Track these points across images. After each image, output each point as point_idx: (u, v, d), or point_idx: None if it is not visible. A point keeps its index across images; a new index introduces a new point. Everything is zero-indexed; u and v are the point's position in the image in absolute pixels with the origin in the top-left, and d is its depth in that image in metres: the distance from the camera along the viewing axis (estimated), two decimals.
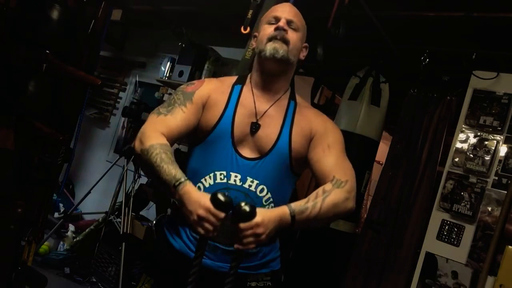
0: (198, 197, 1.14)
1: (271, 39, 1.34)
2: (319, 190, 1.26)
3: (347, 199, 1.27)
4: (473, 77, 2.63)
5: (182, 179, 1.17)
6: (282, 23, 1.35)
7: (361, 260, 3.00)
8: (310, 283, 3.01)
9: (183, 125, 1.32)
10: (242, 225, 1.12)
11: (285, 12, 1.39)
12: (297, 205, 1.21)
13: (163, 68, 4.13)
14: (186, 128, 1.33)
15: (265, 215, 1.15)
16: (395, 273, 2.82)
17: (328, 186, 1.27)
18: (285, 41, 1.34)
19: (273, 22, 1.37)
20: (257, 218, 1.13)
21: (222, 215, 1.11)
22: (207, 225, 1.11)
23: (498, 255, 2.28)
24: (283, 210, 1.19)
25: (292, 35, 1.36)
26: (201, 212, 1.11)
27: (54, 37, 2.03)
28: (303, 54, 1.43)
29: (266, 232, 1.13)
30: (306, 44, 1.44)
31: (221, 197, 1.12)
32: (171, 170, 1.18)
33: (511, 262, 2.20)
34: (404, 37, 3.01)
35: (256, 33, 1.44)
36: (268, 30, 1.37)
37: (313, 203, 1.22)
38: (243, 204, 1.13)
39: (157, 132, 1.26)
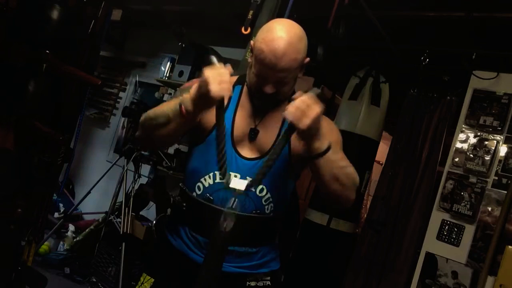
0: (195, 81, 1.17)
1: (258, 94, 1.29)
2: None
3: (355, 186, 1.28)
4: (473, 77, 2.63)
5: (182, 97, 1.19)
6: (268, 90, 1.24)
7: (361, 260, 3.00)
8: (310, 283, 3.01)
9: None
10: (305, 96, 1.11)
11: (274, 71, 1.20)
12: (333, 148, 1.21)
13: (163, 68, 4.13)
14: None
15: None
16: (395, 273, 2.82)
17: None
18: (274, 97, 1.28)
19: (259, 74, 1.23)
20: (320, 104, 1.12)
21: (222, 67, 1.14)
22: (218, 79, 1.11)
23: (498, 255, 2.28)
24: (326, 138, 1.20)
25: (282, 87, 1.26)
26: (208, 73, 1.11)
27: (54, 37, 2.03)
28: (302, 72, 1.33)
29: (316, 114, 1.10)
30: (307, 60, 1.29)
31: (213, 59, 1.15)
32: (170, 103, 1.22)
33: (511, 262, 2.20)
34: (404, 37, 3.01)
35: (252, 43, 1.30)
36: (255, 80, 1.26)
37: (341, 157, 1.25)
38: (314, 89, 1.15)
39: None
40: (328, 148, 1.17)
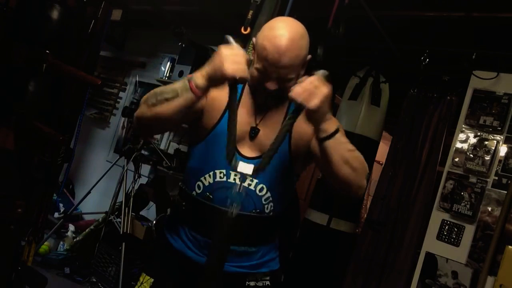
0: (209, 60, 1.15)
1: (260, 91, 1.29)
2: None
3: (366, 172, 1.26)
4: (473, 77, 2.63)
5: (189, 75, 1.18)
6: (272, 87, 1.24)
7: (361, 260, 3.00)
8: (310, 283, 3.01)
9: None
10: (313, 77, 1.12)
11: (277, 68, 1.21)
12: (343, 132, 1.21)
13: (163, 68, 4.14)
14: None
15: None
16: (395, 273, 2.82)
17: None
18: (277, 94, 1.28)
19: (262, 70, 1.23)
20: (328, 84, 1.12)
21: (238, 46, 1.13)
22: (236, 58, 1.12)
23: (498, 255, 2.28)
24: (336, 120, 1.20)
25: (285, 84, 1.25)
26: (224, 50, 1.12)
27: (54, 37, 2.03)
28: (303, 69, 1.32)
29: (324, 96, 1.11)
30: (309, 57, 1.29)
31: (230, 38, 1.15)
32: (176, 82, 1.21)
33: (511, 262, 2.20)
34: (404, 37, 3.01)
35: (253, 42, 1.31)
36: (258, 77, 1.25)
37: (351, 144, 1.23)
38: (321, 71, 1.14)
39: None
40: (337, 130, 1.17)
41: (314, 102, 1.11)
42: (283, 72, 1.22)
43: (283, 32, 1.21)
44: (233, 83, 1.18)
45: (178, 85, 1.20)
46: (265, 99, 1.32)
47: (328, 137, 1.17)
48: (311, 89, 1.11)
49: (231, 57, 1.12)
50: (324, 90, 1.12)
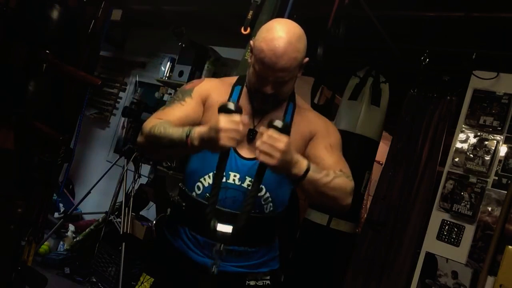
0: (209, 123, 1.13)
1: (258, 95, 1.30)
2: (330, 170, 1.25)
3: (350, 193, 1.28)
4: (473, 77, 2.63)
5: (190, 128, 1.17)
6: (268, 90, 1.25)
7: (361, 260, 3.00)
8: (310, 283, 3.01)
9: (183, 116, 1.31)
10: (270, 130, 1.10)
11: (274, 71, 1.21)
12: (314, 165, 1.21)
13: (163, 68, 4.13)
14: (186, 119, 1.31)
15: (290, 142, 1.13)
16: (395, 273, 2.82)
17: (338, 172, 1.27)
18: (274, 97, 1.29)
19: (259, 73, 1.24)
20: (285, 137, 1.11)
21: (237, 117, 1.10)
22: (231, 133, 1.09)
23: (498, 255, 2.28)
24: (304, 159, 1.19)
25: (282, 87, 1.27)
26: (222, 124, 1.08)
27: (54, 37, 2.03)
28: (301, 71, 1.33)
29: (283, 152, 1.09)
30: (306, 60, 1.30)
31: (230, 106, 1.12)
32: (178, 129, 1.19)
33: (511, 262, 2.20)
34: (404, 37, 3.01)
35: (251, 43, 1.30)
36: (255, 80, 1.27)
37: (326, 173, 1.22)
38: (276, 120, 1.12)
39: (156, 119, 1.28)
40: (308, 170, 1.17)
41: (274, 159, 1.10)
42: (280, 75, 1.22)
43: (280, 34, 1.20)
44: (227, 151, 1.18)
45: (176, 134, 1.18)
46: (262, 103, 1.32)
47: (300, 179, 1.17)
48: (267, 148, 1.10)
49: (228, 130, 1.09)
50: (280, 145, 1.09)
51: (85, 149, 4.97)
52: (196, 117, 1.33)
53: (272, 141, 1.09)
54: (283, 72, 1.22)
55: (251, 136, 1.32)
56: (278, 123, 1.11)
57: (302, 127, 1.38)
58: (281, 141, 1.09)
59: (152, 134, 1.22)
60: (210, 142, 1.11)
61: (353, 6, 2.40)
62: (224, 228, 1.21)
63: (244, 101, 1.37)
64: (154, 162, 3.73)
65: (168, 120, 1.25)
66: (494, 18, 2.43)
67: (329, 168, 1.27)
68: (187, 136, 1.15)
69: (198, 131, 1.14)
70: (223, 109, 1.11)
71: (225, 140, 1.08)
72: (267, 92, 1.25)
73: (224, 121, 1.08)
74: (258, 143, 1.11)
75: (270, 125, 1.11)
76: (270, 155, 1.09)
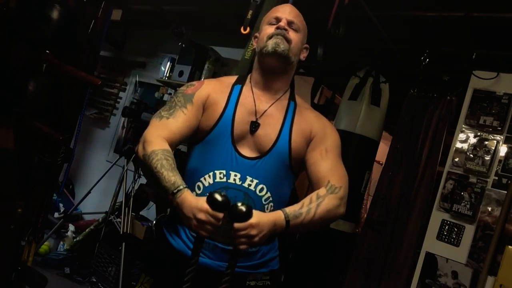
0: (195, 202, 1.14)
1: (272, 36, 1.36)
2: (313, 195, 1.29)
3: (339, 205, 1.31)
4: (473, 77, 2.63)
5: (181, 187, 1.17)
6: (283, 23, 1.37)
7: (361, 260, 3.00)
8: (310, 283, 3.01)
9: (185, 127, 1.34)
10: (236, 225, 1.13)
11: (285, 12, 1.40)
12: (291, 210, 1.23)
13: (163, 68, 4.13)
14: (188, 129, 1.34)
15: (260, 217, 1.16)
16: (395, 273, 2.82)
17: (322, 191, 1.30)
18: (287, 39, 1.36)
19: (274, 22, 1.39)
20: (252, 220, 1.13)
21: (220, 215, 1.11)
22: (207, 226, 1.12)
23: (498, 255, 2.28)
24: (278, 215, 1.21)
25: (293, 35, 1.38)
26: (200, 215, 1.11)
27: (54, 37, 2.03)
28: (303, 55, 1.45)
29: (259, 234, 1.15)
30: (306, 45, 1.45)
31: (218, 197, 1.11)
32: (171, 177, 1.19)
33: (511, 262, 2.20)
34: (404, 37, 3.01)
35: (257, 34, 1.45)
36: (269, 29, 1.38)
37: (307, 208, 1.25)
38: (239, 204, 1.14)
39: (159, 138, 1.27)
40: (288, 221, 1.21)
41: (255, 244, 1.17)
42: (292, 15, 1.40)
43: (285, 4, 1.49)
44: (201, 239, 1.18)
45: (166, 183, 1.18)
46: (274, 62, 1.36)
47: (286, 231, 1.22)
48: (245, 240, 1.14)
49: (204, 224, 1.11)
50: (253, 232, 1.14)
51: (85, 149, 4.97)
52: (196, 123, 1.36)
53: (244, 232, 1.13)
54: (295, 18, 1.40)
55: (253, 128, 1.34)
56: (241, 209, 1.13)
57: (303, 126, 1.39)
58: (251, 228, 1.13)
59: (149, 163, 1.22)
60: (186, 220, 1.15)
61: (353, 6, 2.40)
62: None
63: (244, 99, 1.38)
64: None
65: (170, 152, 1.26)
66: (494, 18, 2.43)
67: (324, 178, 1.32)
68: (173, 194, 1.17)
69: (182, 198, 1.15)
70: (211, 200, 1.11)
71: (199, 228, 1.12)
72: (281, 25, 1.37)
73: (205, 214, 1.10)
74: (233, 239, 1.14)
75: (235, 212, 1.13)
76: (250, 242, 1.15)
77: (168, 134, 1.30)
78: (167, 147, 1.26)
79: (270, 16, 1.42)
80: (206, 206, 1.11)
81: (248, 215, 1.13)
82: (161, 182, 1.19)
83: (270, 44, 1.34)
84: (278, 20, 1.39)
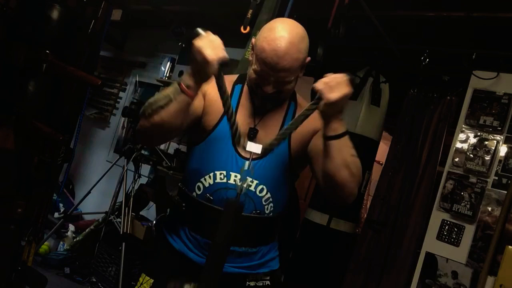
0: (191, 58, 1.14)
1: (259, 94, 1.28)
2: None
3: (359, 180, 1.24)
4: (473, 77, 2.63)
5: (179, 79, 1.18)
6: (269, 90, 1.24)
7: (361, 260, 3.00)
8: (310, 283, 3.01)
9: None
10: (338, 75, 1.12)
11: (275, 71, 1.20)
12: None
13: (163, 68, 4.14)
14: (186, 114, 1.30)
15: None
16: (395, 273, 2.82)
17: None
18: (275, 96, 1.29)
19: (260, 73, 1.23)
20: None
21: (210, 33, 1.14)
22: (213, 49, 1.12)
23: (498, 255, 2.28)
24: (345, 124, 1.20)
25: (283, 87, 1.26)
26: (199, 43, 1.11)
27: (54, 37, 2.03)
28: (302, 71, 1.33)
29: (345, 91, 1.12)
30: (308, 59, 1.29)
31: (199, 30, 1.14)
32: (166, 89, 1.20)
33: (511, 262, 2.20)
34: (404, 37, 3.01)
35: (253, 40, 1.31)
36: (256, 80, 1.26)
37: (354, 149, 1.21)
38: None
39: None
40: (346, 132, 1.18)
41: (333, 96, 1.11)
42: (281, 75, 1.22)
43: (282, 34, 1.19)
44: (219, 68, 1.14)
45: (170, 90, 1.18)
46: (263, 102, 1.32)
47: (336, 136, 1.17)
48: (334, 84, 1.12)
49: (207, 45, 1.11)
50: (345, 88, 1.12)
51: (85, 149, 4.97)
52: (199, 106, 1.31)
53: (339, 80, 1.12)
54: (285, 73, 1.21)
55: (252, 135, 1.32)
56: (349, 74, 1.13)
57: (304, 127, 1.37)
58: (347, 85, 1.12)
59: (148, 104, 1.22)
60: (199, 67, 1.12)
61: (353, 6, 2.40)
62: (255, 148, 1.17)
63: (244, 100, 1.36)
64: (154, 162, 3.73)
65: None
66: (494, 18, 2.43)
67: None
68: (179, 83, 1.16)
69: (185, 71, 1.16)
70: (194, 35, 1.12)
71: (210, 53, 1.11)
72: (267, 92, 1.25)
73: (199, 41, 1.11)
74: (321, 80, 1.12)
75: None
76: (332, 90, 1.11)
77: None
78: None
79: (259, 62, 1.22)
80: (194, 41, 1.12)
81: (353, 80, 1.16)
82: (167, 95, 1.17)
83: (257, 103, 1.31)
84: (263, 77, 1.23)
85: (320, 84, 1.13)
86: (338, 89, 1.12)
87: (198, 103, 1.30)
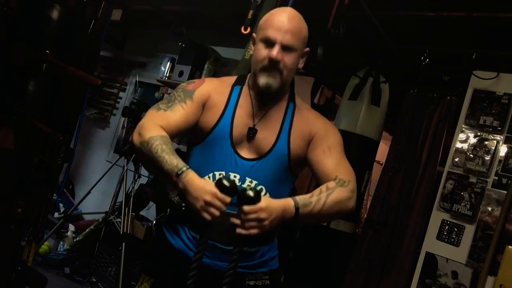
0: (203, 183, 1.15)
1: (264, 69, 1.29)
2: (323, 187, 1.27)
3: (350, 198, 1.28)
4: (473, 77, 2.63)
5: (184, 168, 1.17)
6: (275, 53, 1.26)
7: (361, 260, 3.00)
8: (310, 283, 3.01)
9: (183, 122, 1.32)
10: (245, 207, 1.12)
11: (281, 32, 1.26)
12: (301, 198, 1.22)
13: (163, 68, 4.13)
14: (185, 124, 1.32)
15: (269, 202, 1.16)
16: (395, 273, 2.82)
17: (331, 184, 1.27)
18: (280, 71, 1.29)
19: (267, 43, 1.28)
20: (261, 203, 1.13)
21: (228, 199, 1.12)
22: (213, 210, 1.12)
23: (498, 255, 2.28)
24: (288, 201, 1.20)
25: (287, 59, 1.28)
26: (208, 197, 1.11)
27: (54, 37, 2.03)
28: (302, 61, 1.37)
29: (269, 218, 1.14)
30: (307, 49, 1.36)
31: (226, 182, 1.13)
32: (173, 160, 1.19)
33: (511, 262, 2.20)
34: (404, 37, 3.01)
35: (254, 35, 1.37)
36: (261, 52, 1.29)
37: (317, 198, 1.23)
38: (248, 189, 1.15)
39: (156, 126, 1.26)
40: (297, 209, 1.19)
41: (264, 229, 1.15)
42: (287, 38, 1.27)
43: (284, 10, 1.34)
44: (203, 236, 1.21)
45: (169, 166, 1.18)
46: (263, 102, 1.33)
47: (294, 219, 1.20)
48: (254, 224, 1.14)
49: (211, 207, 1.12)
50: (263, 215, 1.13)
51: (85, 149, 4.96)
52: (194, 120, 1.34)
53: (254, 216, 1.13)
54: (290, 35, 1.27)
55: (251, 135, 1.33)
56: (250, 193, 1.14)
57: (303, 127, 1.38)
58: (261, 211, 1.13)
59: (148, 149, 1.21)
60: (192, 200, 1.14)
61: (353, 6, 2.40)
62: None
63: (243, 101, 1.37)
64: None
65: (168, 138, 1.25)
66: (494, 18, 2.43)
67: (331, 173, 1.29)
68: (178, 175, 1.16)
69: (189, 179, 1.15)
70: (219, 185, 1.13)
71: (204, 213, 1.12)
72: (273, 56, 1.26)
73: (212, 196, 1.12)
74: (242, 222, 1.14)
75: (243, 197, 1.13)
76: (259, 226, 1.14)
77: (165, 125, 1.28)
78: (165, 133, 1.25)
79: (265, 30, 1.29)
80: (214, 188, 1.12)
81: (257, 199, 1.13)
82: (164, 166, 1.18)
83: (262, 81, 1.30)
84: (271, 43, 1.27)
85: (247, 231, 1.15)
86: (261, 223, 1.14)
87: (196, 115, 1.34)
